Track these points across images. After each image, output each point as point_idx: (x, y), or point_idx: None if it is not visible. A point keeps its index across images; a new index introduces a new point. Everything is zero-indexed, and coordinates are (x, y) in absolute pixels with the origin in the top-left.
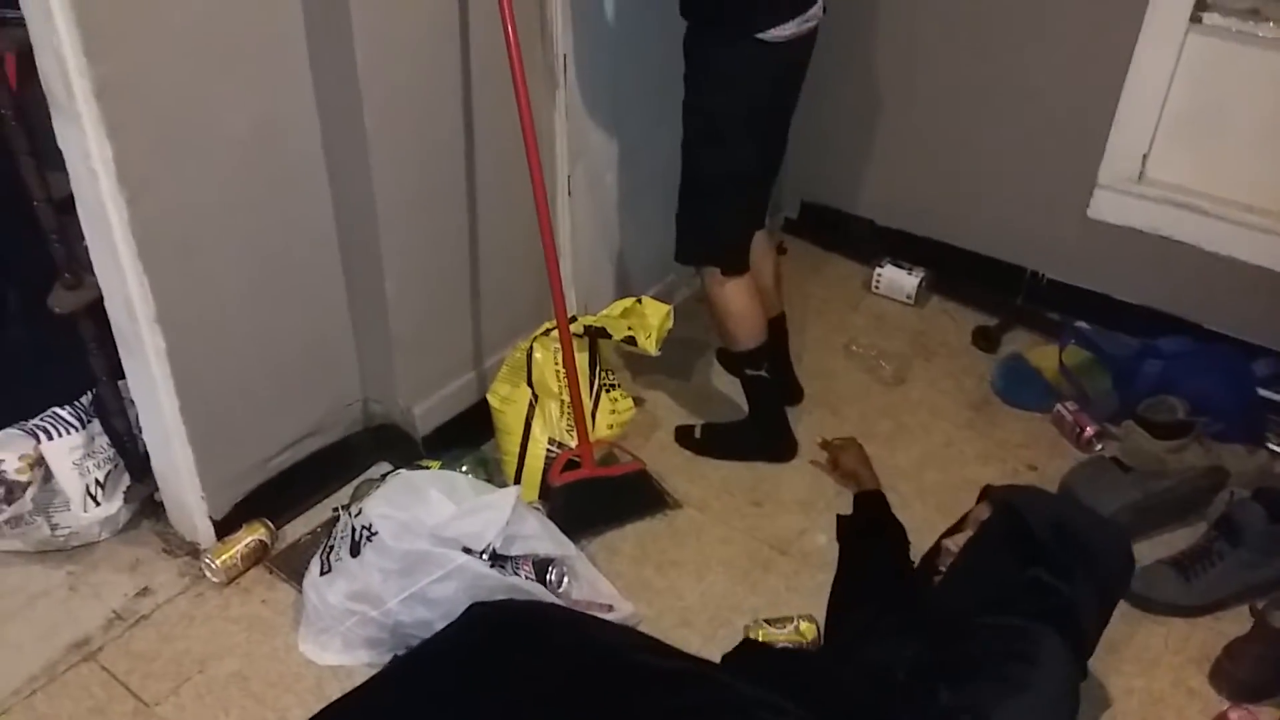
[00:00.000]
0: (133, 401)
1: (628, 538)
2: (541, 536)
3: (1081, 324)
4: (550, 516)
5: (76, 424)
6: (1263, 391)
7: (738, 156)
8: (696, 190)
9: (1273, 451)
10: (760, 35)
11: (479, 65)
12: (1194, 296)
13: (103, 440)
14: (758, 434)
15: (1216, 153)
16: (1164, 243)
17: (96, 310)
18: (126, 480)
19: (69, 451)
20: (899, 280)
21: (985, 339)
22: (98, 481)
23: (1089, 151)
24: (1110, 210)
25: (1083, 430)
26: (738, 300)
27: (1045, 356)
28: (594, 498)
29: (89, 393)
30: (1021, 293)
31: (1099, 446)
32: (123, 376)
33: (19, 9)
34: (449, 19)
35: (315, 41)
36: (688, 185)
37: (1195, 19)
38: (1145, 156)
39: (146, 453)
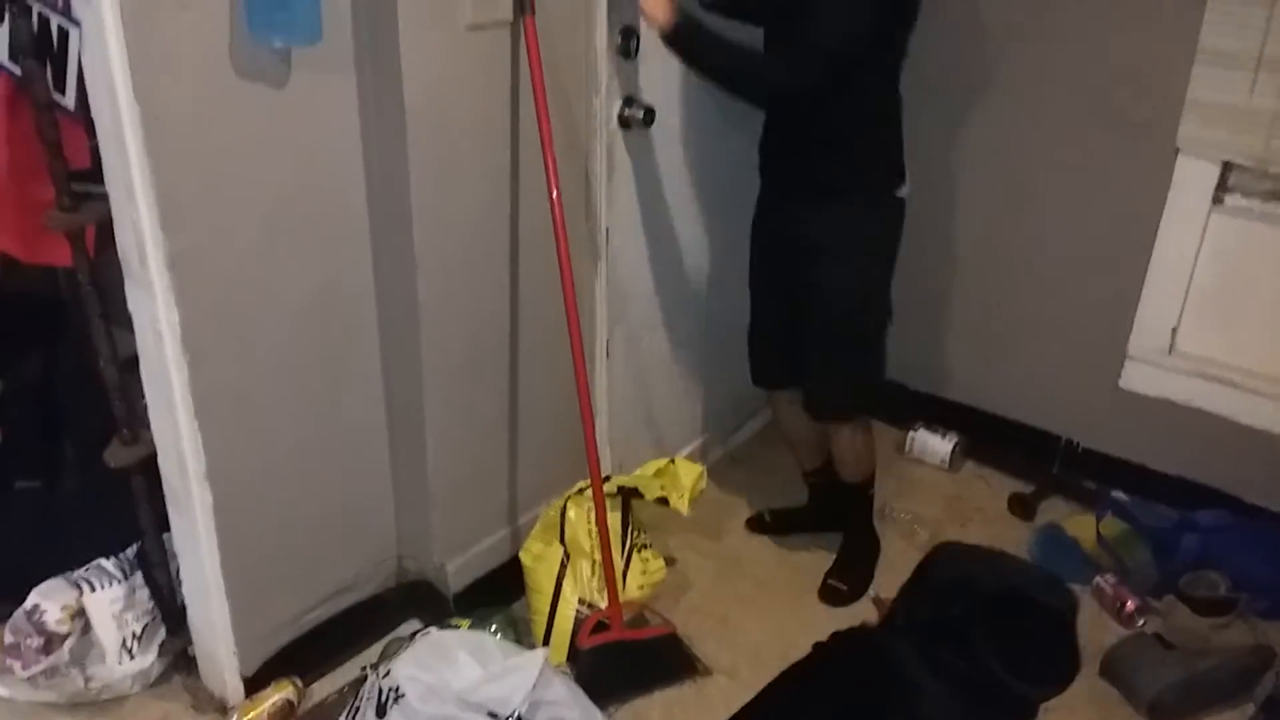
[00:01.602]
0: (175, 555)
1: (656, 705)
2: (568, 703)
3: (1118, 494)
4: (578, 680)
5: (119, 576)
6: None
7: (885, 309)
8: (854, 348)
9: None
10: (898, 193)
11: (527, 238)
12: (1231, 469)
13: (143, 593)
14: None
15: (1244, 327)
16: (1197, 414)
17: (149, 466)
18: (162, 633)
19: (110, 604)
20: (933, 444)
21: (1022, 507)
22: (135, 634)
23: (1120, 323)
24: (1141, 381)
25: (1124, 604)
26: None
27: (1083, 527)
28: (622, 662)
29: (134, 545)
30: (1057, 461)
31: (1141, 622)
32: (168, 530)
33: (103, 184)
34: (501, 197)
35: (376, 218)
36: (848, 347)
37: (1218, 199)
38: (1174, 330)
39: (184, 606)
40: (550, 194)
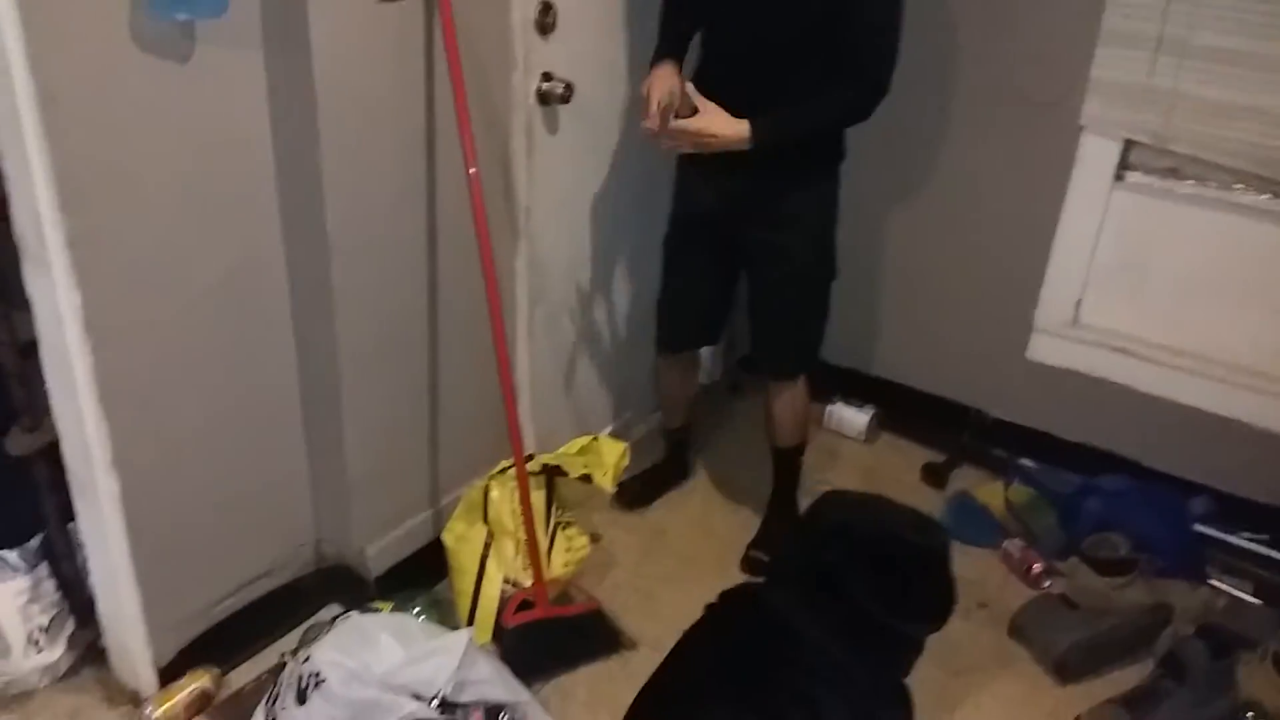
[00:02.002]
0: (82, 545)
1: (581, 681)
2: (493, 681)
3: (1026, 461)
4: (503, 659)
5: (24, 567)
6: (1200, 528)
7: (835, 269)
8: (816, 310)
9: (1214, 588)
10: (843, 163)
11: (445, 217)
12: (1131, 435)
13: (49, 585)
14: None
15: (1144, 300)
16: (1100, 384)
17: (52, 453)
18: (70, 626)
19: (14, 596)
20: (850, 417)
21: (934, 476)
22: (41, 627)
23: (1027, 297)
24: (1048, 352)
25: (1030, 567)
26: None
27: (992, 494)
28: (548, 639)
29: (37, 536)
30: (968, 431)
31: (1047, 583)
32: (73, 519)
33: None
34: (416, 175)
35: (286, 196)
36: (810, 308)
37: (1119, 176)
38: (1078, 303)
39: (92, 597)
40: (468, 171)
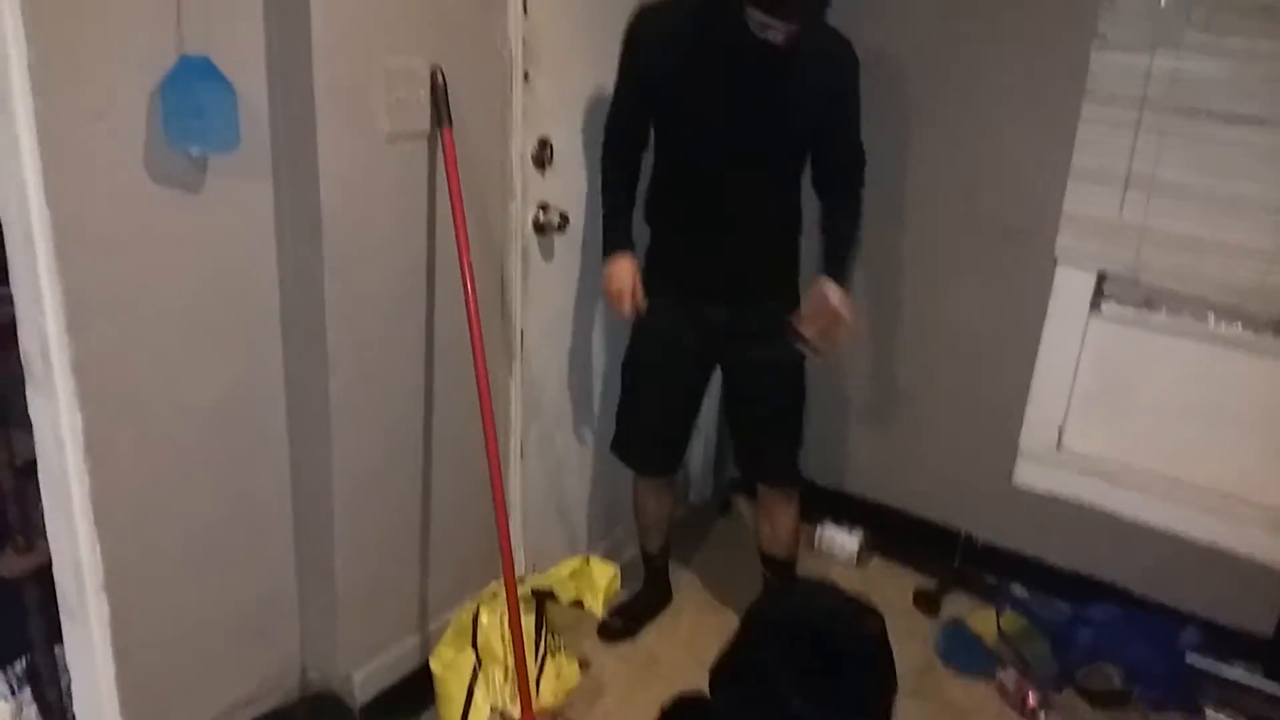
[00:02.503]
0: (67, 669)
1: None
2: None
3: (1017, 588)
4: None
5: (6, 692)
6: (1191, 659)
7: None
8: (800, 416)
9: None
10: None
11: (442, 339)
12: (1119, 562)
13: (31, 710)
14: None
15: (1125, 426)
16: (1085, 509)
17: (43, 575)
18: None
19: None
20: (839, 540)
21: (926, 602)
22: None
23: (1011, 421)
24: (1033, 477)
25: (1025, 699)
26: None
27: (985, 621)
28: None
29: (22, 659)
30: (958, 555)
31: (1043, 715)
32: (59, 642)
33: (6, 285)
34: (416, 299)
35: (289, 320)
36: (802, 414)
37: (1095, 306)
38: (1061, 428)
39: None
40: (465, 293)
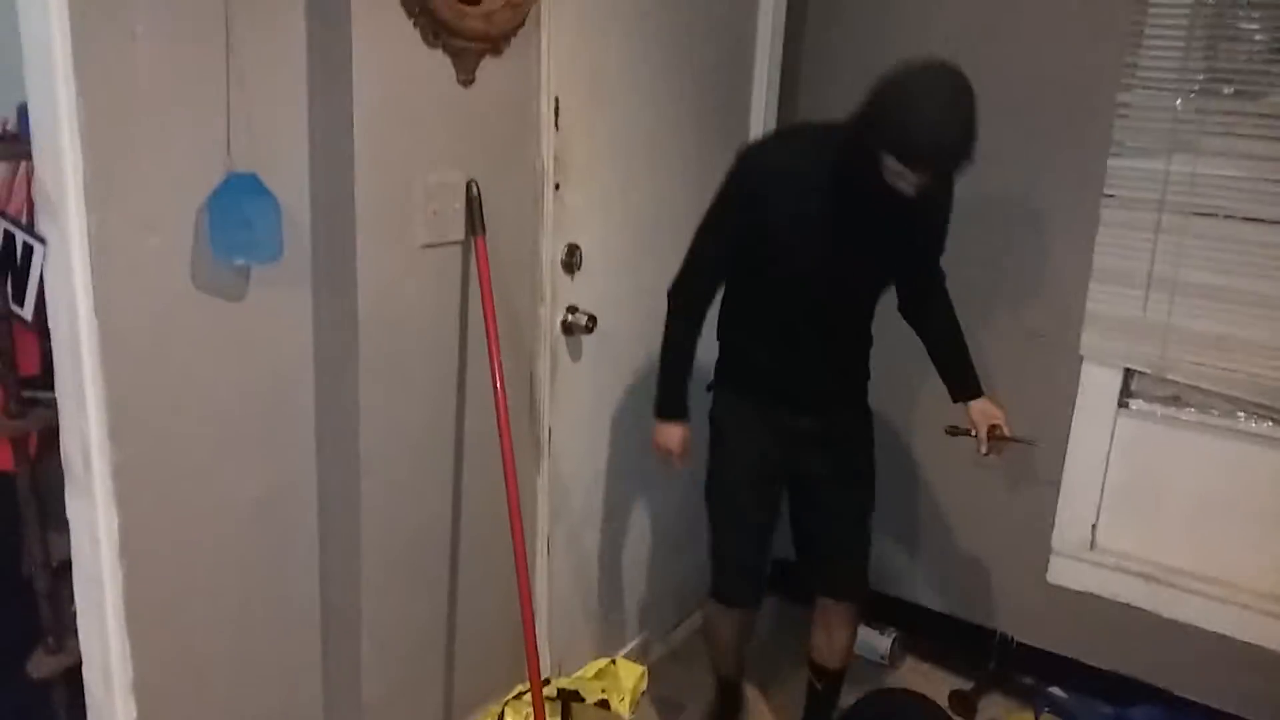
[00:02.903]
0: None
1: None
2: None
3: (1055, 690)
4: None
5: None
6: None
7: None
8: (871, 525)
9: None
10: None
11: (471, 440)
12: (1160, 663)
13: None
14: None
15: (1157, 523)
16: (1122, 608)
17: (73, 676)
18: None
19: None
20: (871, 641)
21: (963, 704)
22: None
23: (1043, 520)
24: (1067, 576)
25: None
26: None
27: None
28: None
29: None
30: (993, 656)
31: None
32: None
33: (51, 390)
34: (447, 401)
35: (323, 423)
36: (869, 522)
37: (1123, 403)
38: (1094, 526)
39: None
40: (495, 394)
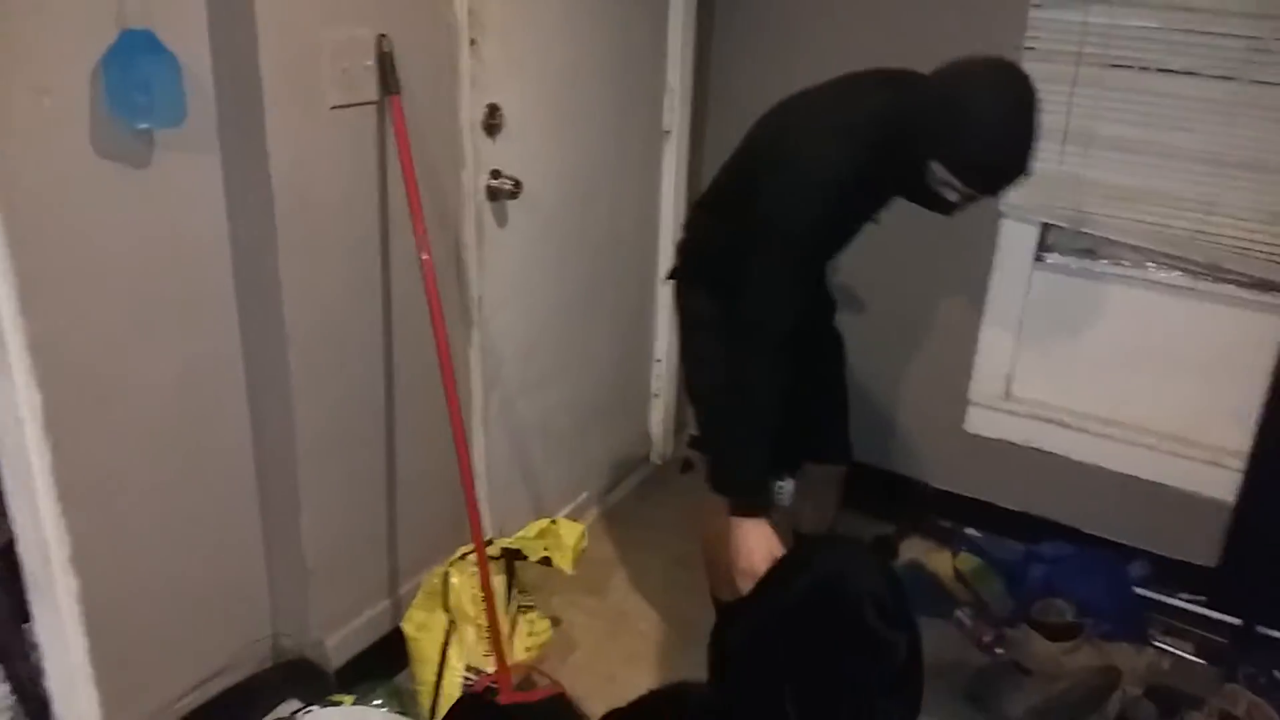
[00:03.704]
0: (36, 645)
1: None
2: None
3: (970, 530)
4: None
5: None
6: (1140, 591)
7: None
8: None
9: (1157, 649)
10: None
11: (399, 308)
12: (1069, 502)
13: (2, 689)
14: None
15: (1070, 372)
16: (1035, 453)
17: (8, 554)
18: None
19: None
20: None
21: (885, 547)
22: None
23: (961, 373)
24: (983, 425)
25: (982, 635)
26: None
27: (941, 562)
28: None
29: None
30: (913, 502)
31: (999, 650)
32: (27, 620)
33: None
34: (371, 268)
35: (244, 293)
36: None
37: (1039, 258)
38: (1009, 376)
39: (47, 699)
40: (422, 261)
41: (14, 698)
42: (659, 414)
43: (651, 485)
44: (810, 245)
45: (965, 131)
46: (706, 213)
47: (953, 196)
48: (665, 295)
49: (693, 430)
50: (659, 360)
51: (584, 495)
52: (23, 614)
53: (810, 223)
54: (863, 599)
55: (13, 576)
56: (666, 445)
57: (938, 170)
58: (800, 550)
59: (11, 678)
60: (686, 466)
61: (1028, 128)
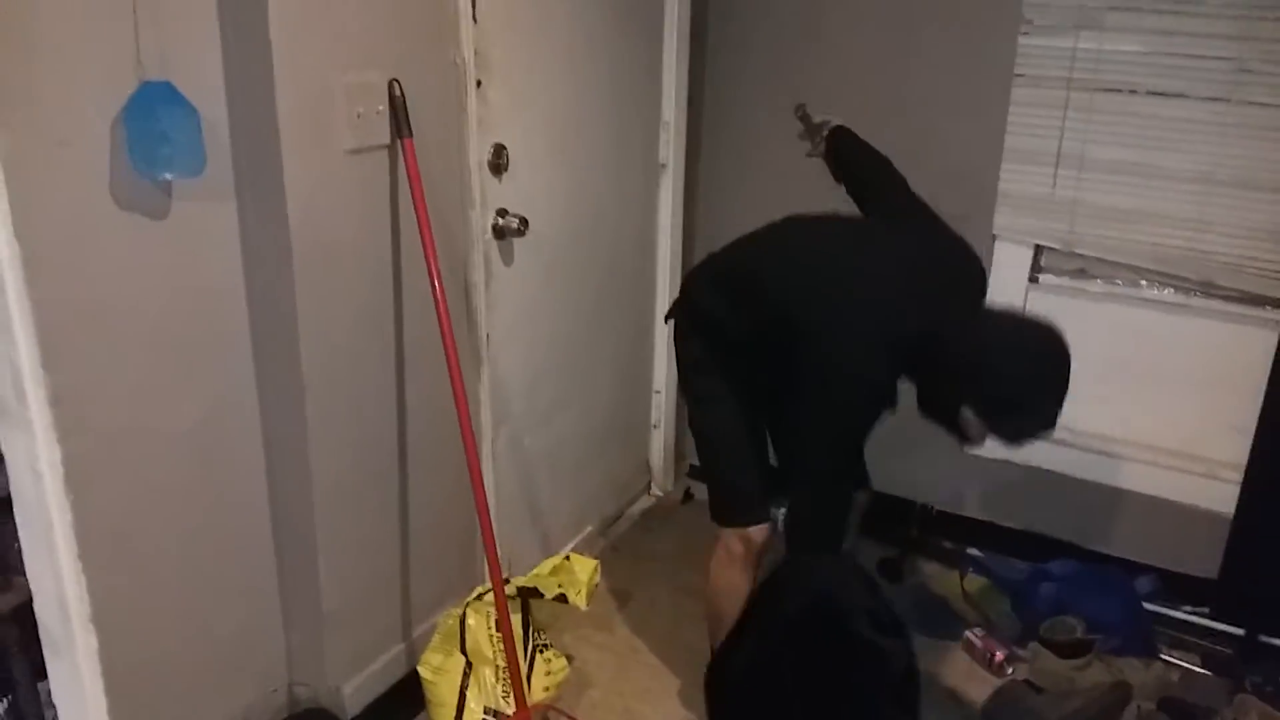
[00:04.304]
0: (52, 704)
1: None
2: None
3: (974, 551)
4: None
5: None
6: (1148, 606)
7: None
8: None
9: (1166, 662)
10: None
11: (411, 348)
12: (1070, 520)
13: None
14: None
15: (1070, 390)
16: (1034, 471)
17: (23, 613)
18: None
19: None
20: None
21: (891, 570)
22: None
23: None
24: (984, 445)
25: (993, 655)
26: None
27: (948, 584)
28: None
29: (5, 699)
30: (915, 524)
31: (1010, 670)
32: (43, 679)
33: None
34: (384, 309)
35: (260, 340)
36: None
37: (1033, 279)
38: None
39: None
40: (435, 300)
41: None
42: (659, 444)
43: (653, 516)
44: (862, 434)
45: (1005, 390)
46: (716, 291)
47: (974, 433)
48: (663, 327)
49: (693, 460)
50: (658, 391)
51: (589, 529)
52: (39, 674)
53: (862, 428)
54: (856, 613)
55: (29, 637)
56: (667, 476)
57: (967, 413)
58: (782, 573)
59: None
60: (687, 496)
61: (1060, 395)
